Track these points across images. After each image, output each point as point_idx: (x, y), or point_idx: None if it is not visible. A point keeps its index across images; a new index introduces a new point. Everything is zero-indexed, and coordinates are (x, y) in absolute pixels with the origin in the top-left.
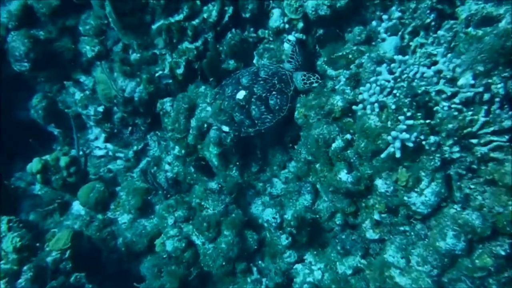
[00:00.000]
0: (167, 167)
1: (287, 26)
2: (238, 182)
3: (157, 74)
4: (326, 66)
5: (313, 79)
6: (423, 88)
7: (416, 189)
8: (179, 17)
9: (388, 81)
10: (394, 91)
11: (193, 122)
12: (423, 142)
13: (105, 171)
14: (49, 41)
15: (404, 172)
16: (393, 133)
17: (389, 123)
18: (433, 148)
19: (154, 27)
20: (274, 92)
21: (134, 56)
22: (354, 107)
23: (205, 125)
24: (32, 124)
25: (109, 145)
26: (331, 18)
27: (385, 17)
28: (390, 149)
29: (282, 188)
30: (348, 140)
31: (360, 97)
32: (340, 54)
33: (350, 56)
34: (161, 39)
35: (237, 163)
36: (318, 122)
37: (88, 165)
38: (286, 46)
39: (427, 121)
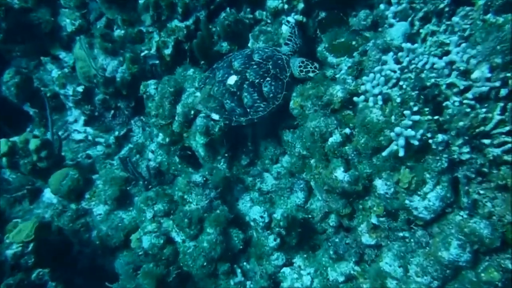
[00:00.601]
0: (150, 155)
1: (286, 6)
2: (225, 176)
3: (142, 54)
4: (327, 53)
5: (310, 67)
6: (432, 80)
7: (419, 192)
8: None
9: (394, 72)
10: (400, 83)
11: (179, 108)
12: (430, 141)
13: (83, 156)
14: (25, 11)
15: (407, 173)
16: (397, 129)
17: (393, 118)
18: (440, 148)
19: (141, 1)
20: (268, 78)
21: (118, 33)
22: (355, 98)
23: (192, 112)
24: (3, 102)
25: (89, 129)
26: None
27: (394, 0)
28: (393, 146)
29: (273, 184)
30: (347, 135)
31: (363, 88)
32: (343, 40)
33: (353, 42)
34: (148, 16)
35: (226, 155)
36: (315, 113)
37: (66, 150)
38: (284, 28)
39: (435, 117)
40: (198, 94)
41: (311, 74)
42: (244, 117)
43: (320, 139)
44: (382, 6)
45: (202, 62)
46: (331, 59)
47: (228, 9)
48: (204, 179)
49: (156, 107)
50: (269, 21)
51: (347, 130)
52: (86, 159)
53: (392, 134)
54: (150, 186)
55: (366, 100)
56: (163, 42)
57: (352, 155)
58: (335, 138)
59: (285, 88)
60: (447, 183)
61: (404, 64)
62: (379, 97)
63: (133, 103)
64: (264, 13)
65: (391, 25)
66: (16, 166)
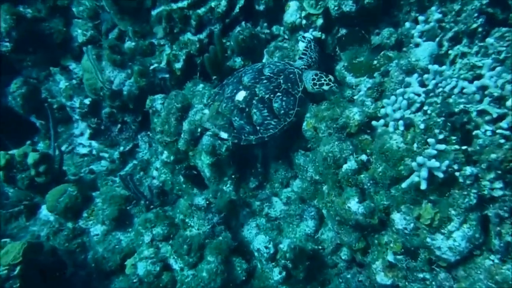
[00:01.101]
0: (155, 173)
1: (304, 22)
2: (230, 200)
3: (152, 67)
4: (346, 72)
5: (324, 80)
6: (461, 106)
7: (443, 230)
8: (182, 3)
9: (418, 95)
10: (425, 108)
11: (185, 125)
12: (457, 173)
13: (86, 172)
14: (37, 21)
15: (429, 208)
16: (420, 158)
17: (415, 145)
18: (468, 182)
19: (154, 13)
20: (279, 94)
21: (128, 45)
22: (374, 122)
23: (199, 130)
24: (8, 112)
25: (94, 143)
26: (357, 16)
27: (421, 18)
28: (414, 178)
29: (282, 210)
30: (363, 162)
31: (383, 111)
32: (363, 59)
33: (375, 62)
34: (160, 28)
35: (233, 176)
36: (329, 137)
37: (69, 164)
38: (301, 45)
39: (464, 147)
40: (206, 111)
41: (325, 87)
42: (254, 136)
43: (334, 165)
44: (407, 25)
45: (214, 77)
46: (350, 79)
47: (243, 23)
48: (207, 202)
49: (162, 123)
50: (286, 36)
51: (364, 157)
52: (89, 175)
53: (414, 164)
54: (152, 206)
55: (386, 125)
56: (174, 55)
57: (368, 184)
58: (350, 165)
59: (298, 104)
60: (475, 222)
61: (430, 87)
62: (401, 122)
63: (140, 117)
64: (282, 28)
65: (417, 45)
66: (14, 181)
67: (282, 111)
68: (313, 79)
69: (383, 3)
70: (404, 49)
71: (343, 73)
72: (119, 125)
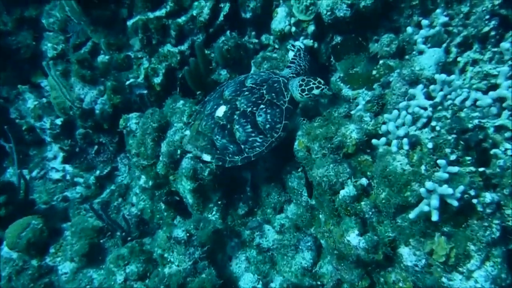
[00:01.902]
0: (134, 199)
1: (294, 29)
2: (215, 230)
3: (128, 82)
4: (342, 84)
5: (313, 83)
6: (475, 121)
7: (461, 269)
8: (160, 12)
9: (425, 109)
10: (433, 123)
11: (163, 147)
12: (474, 201)
13: (59, 199)
14: (3, 34)
15: (443, 242)
16: (429, 184)
17: (423, 168)
18: (489, 211)
19: (129, 23)
20: (262, 106)
21: (101, 58)
22: (374, 141)
23: (179, 151)
24: None
25: (68, 167)
26: (352, 21)
27: (425, 22)
28: (423, 207)
29: (275, 240)
30: (363, 187)
31: (384, 128)
32: (361, 69)
33: (374, 72)
34: (137, 39)
35: (219, 203)
36: (323, 158)
37: (41, 191)
38: (291, 54)
39: (481, 169)
40: (187, 132)
41: (316, 91)
42: (239, 156)
43: (329, 191)
44: (410, 30)
45: (199, 92)
46: (347, 91)
47: (228, 32)
48: (188, 235)
49: (138, 144)
50: (276, 46)
51: (363, 181)
52: (62, 203)
53: (422, 190)
54: (129, 238)
55: (388, 144)
56: (152, 69)
57: (370, 213)
58: (348, 190)
59: (285, 117)
60: (500, 259)
61: (438, 99)
62: (405, 140)
63: (116, 138)
64: (271, 37)
65: (421, 52)
66: None
67: (268, 126)
68: (300, 85)
69: (381, 6)
70: (407, 57)
71: (339, 85)
72: (95, 147)
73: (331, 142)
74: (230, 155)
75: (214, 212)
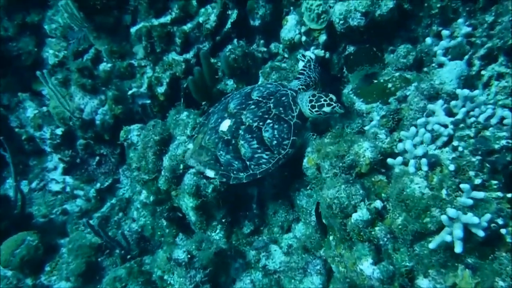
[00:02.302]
0: (135, 214)
1: (304, 38)
2: (218, 251)
3: (130, 92)
4: (355, 97)
5: (324, 99)
6: (503, 142)
7: None
8: (165, 19)
9: (445, 126)
10: (454, 143)
11: (165, 161)
12: (502, 230)
13: (58, 212)
14: (4, 40)
15: (467, 276)
16: (451, 211)
17: (443, 192)
18: None
19: (133, 30)
20: (269, 121)
21: (103, 66)
22: (390, 160)
23: (181, 166)
24: None
25: (68, 179)
26: (367, 30)
27: (446, 33)
28: (445, 236)
29: (282, 262)
30: (377, 211)
31: (400, 146)
32: (376, 81)
33: (389, 85)
34: (140, 47)
35: (223, 221)
36: (334, 178)
37: (40, 203)
38: (301, 64)
39: (509, 195)
40: (190, 145)
41: (326, 109)
42: (243, 173)
43: (341, 214)
44: (429, 40)
45: (204, 103)
46: (360, 105)
47: (235, 40)
48: (189, 256)
49: (139, 158)
50: (286, 55)
51: (378, 204)
52: (61, 216)
53: (444, 218)
54: (129, 256)
55: (405, 164)
56: (156, 78)
57: (385, 239)
58: (361, 214)
59: (293, 132)
60: None
61: (459, 116)
62: (423, 160)
63: (118, 149)
64: (281, 46)
65: (441, 65)
66: None
67: (275, 142)
68: (311, 101)
69: (398, 15)
70: (425, 69)
71: (352, 98)
72: (97, 158)
73: (342, 161)
74: (234, 172)
75: (218, 231)
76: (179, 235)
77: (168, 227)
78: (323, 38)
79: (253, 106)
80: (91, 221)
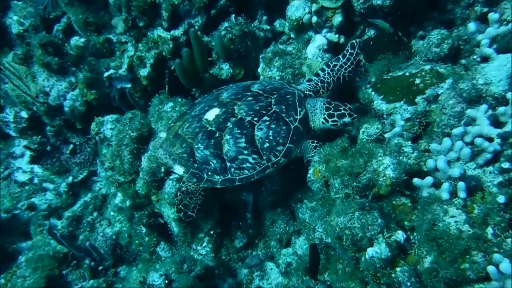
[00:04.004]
0: (112, 215)
1: (315, 19)
2: (206, 269)
3: (106, 74)
4: (374, 93)
5: (344, 108)
6: None
7: None
8: None
9: (490, 140)
10: (504, 165)
11: (144, 161)
12: None
13: (24, 207)
14: None
15: None
16: (505, 265)
17: (489, 231)
18: None
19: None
20: (266, 118)
21: (75, 41)
22: (416, 181)
23: (162, 169)
24: None
25: (36, 168)
26: (393, 11)
27: (494, 16)
28: None
29: (279, 284)
30: (399, 245)
31: (431, 164)
32: (400, 74)
33: (417, 80)
34: (120, 19)
35: (211, 232)
36: (346, 201)
37: (4, 194)
38: (311, 51)
39: None
40: (163, 134)
41: (347, 119)
42: (220, 176)
43: (353, 247)
44: (472, 26)
45: (194, 89)
46: (380, 103)
47: (233, 16)
48: (166, 281)
49: (112, 156)
50: (292, 35)
51: (400, 236)
52: (27, 212)
53: (491, 269)
54: (101, 268)
55: (436, 186)
56: (138, 58)
57: (408, 284)
58: (378, 250)
59: (291, 138)
60: None
61: (509, 128)
62: (461, 184)
63: (94, 139)
64: (287, 24)
65: (486, 59)
66: None
67: (267, 145)
68: (327, 108)
69: None
70: (463, 61)
71: (370, 94)
72: (71, 146)
73: (357, 180)
74: (209, 173)
75: (204, 244)
76: (161, 244)
77: (147, 234)
78: (338, 19)
79: (250, 98)
80: (60, 222)
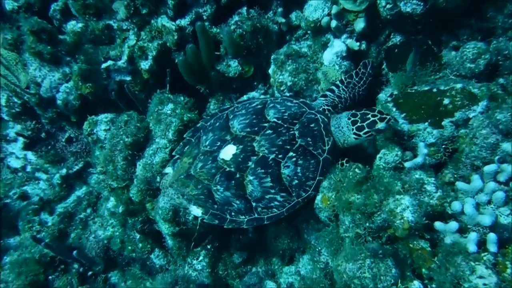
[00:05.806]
0: (107, 213)
1: (334, 23)
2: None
3: (104, 65)
4: (395, 109)
5: (372, 115)
6: None
7: None
8: None
9: None
10: None
11: (139, 169)
12: None
13: (16, 195)
14: None
15: None
16: None
17: None
18: None
19: None
20: (292, 153)
21: (72, 26)
22: (438, 225)
23: (158, 179)
24: None
25: (30, 155)
26: (423, 19)
27: None
28: None
29: None
30: None
31: (456, 206)
32: (426, 89)
33: (446, 100)
34: (122, 4)
35: (209, 246)
36: (356, 243)
37: None
38: (327, 57)
39: None
40: (169, 170)
41: (381, 125)
42: (245, 216)
43: None
44: None
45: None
46: (401, 123)
47: (245, 9)
48: None
49: (105, 160)
50: (309, 31)
51: (417, 286)
52: (19, 201)
53: None
54: (90, 273)
55: (462, 231)
56: (140, 48)
57: None
58: None
59: (321, 171)
60: None
61: None
62: (491, 236)
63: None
64: (303, 23)
65: None
66: None
67: (296, 182)
68: (354, 122)
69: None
70: (501, 80)
71: (390, 109)
72: (67, 133)
73: (370, 220)
74: (233, 213)
75: (201, 258)
76: (155, 251)
77: (141, 241)
78: (360, 25)
79: (270, 131)
80: (51, 218)
